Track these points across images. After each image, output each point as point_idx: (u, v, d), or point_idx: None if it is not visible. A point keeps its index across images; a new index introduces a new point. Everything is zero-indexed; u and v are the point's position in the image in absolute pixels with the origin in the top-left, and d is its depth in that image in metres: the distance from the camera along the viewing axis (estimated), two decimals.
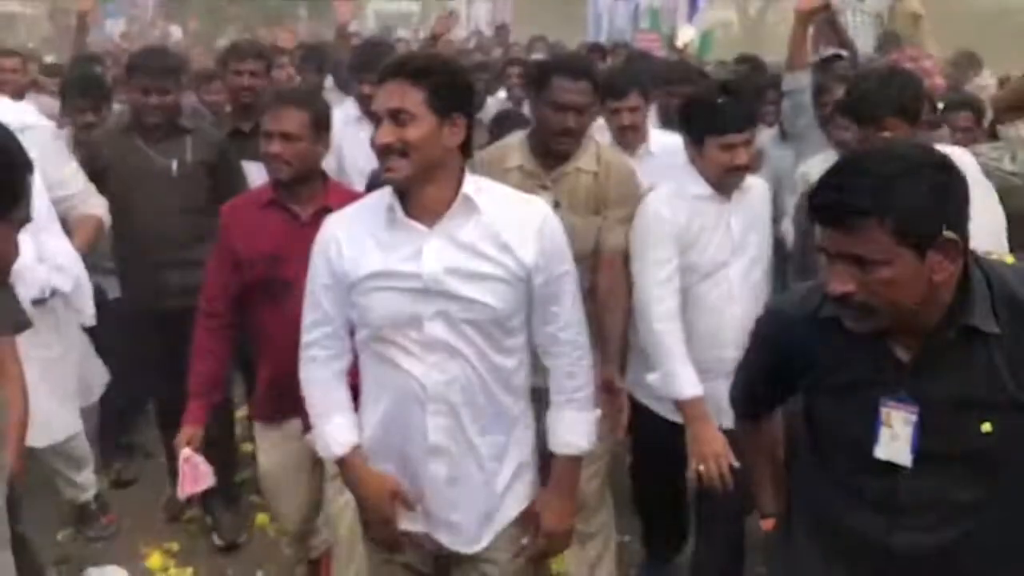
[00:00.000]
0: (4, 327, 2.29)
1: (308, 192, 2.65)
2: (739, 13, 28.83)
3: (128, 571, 3.41)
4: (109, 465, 3.98)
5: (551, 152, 2.78)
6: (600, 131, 3.58)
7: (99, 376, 3.46)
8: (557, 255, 2.04)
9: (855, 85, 2.87)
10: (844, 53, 4.98)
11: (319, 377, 2.15)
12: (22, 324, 2.40)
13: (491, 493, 2.10)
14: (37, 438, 2.96)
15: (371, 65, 3.83)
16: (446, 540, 2.11)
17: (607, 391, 2.67)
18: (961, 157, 2.70)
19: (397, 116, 1.89)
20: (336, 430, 2.12)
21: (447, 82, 1.92)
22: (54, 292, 2.99)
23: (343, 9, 5.50)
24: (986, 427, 1.57)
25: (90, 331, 3.31)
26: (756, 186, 2.81)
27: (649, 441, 2.95)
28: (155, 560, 3.52)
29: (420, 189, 1.94)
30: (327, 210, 2.50)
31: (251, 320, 2.72)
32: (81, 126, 3.90)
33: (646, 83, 3.63)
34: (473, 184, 1.99)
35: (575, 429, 2.12)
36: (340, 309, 2.09)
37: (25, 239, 2.87)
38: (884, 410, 1.62)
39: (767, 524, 2.01)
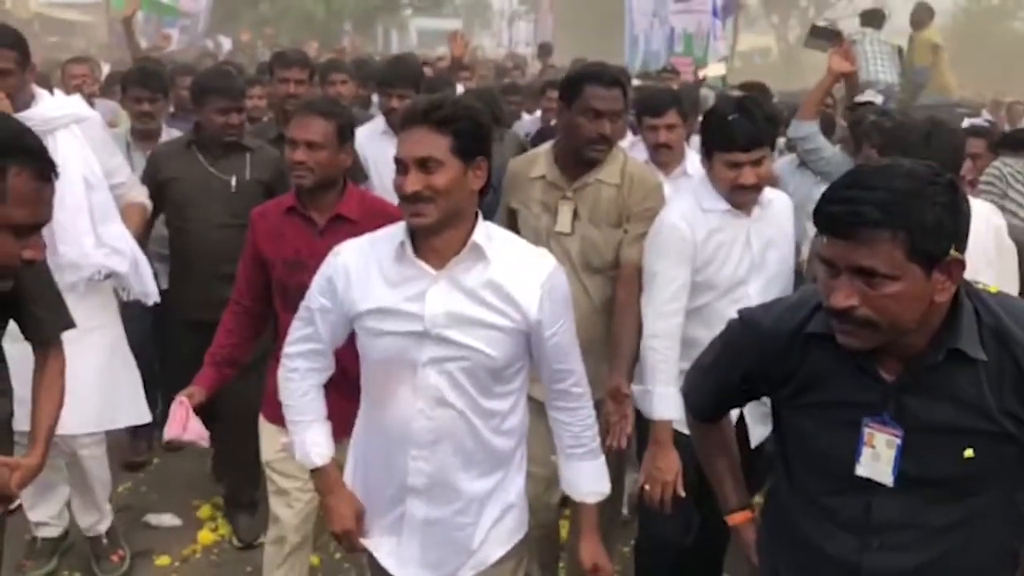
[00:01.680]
0: (56, 330, 2.35)
1: (327, 200, 2.70)
2: (778, 40, 28.94)
3: (181, 519, 3.81)
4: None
5: (583, 160, 2.79)
6: (635, 149, 3.68)
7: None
8: (560, 310, 2.05)
9: (894, 138, 2.80)
10: (878, 100, 5.00)
11: (299, 388, 2.18)
12: (68, 325, 2.48)
13: (471, 536, 2.12)
14: (71, 426, 3.00)
15: (400, 79, 4.07)
16: (414, 572, 2.12)
17: (613, 399, 2.69)
18: (990, 217, 2.75)
19: (425, 164, 1.91)
20: (314, 440, 2.16)
21: (471, 129, 1.95)
22: (110, 274, 3.18)
23: (457, 45, 5.62)
24: (968, 453, 1.56)
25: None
26: (778, 201, 2.76)
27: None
28: (205, 511, 3.90)
29: (438, 233, 1.96)
30: (340, 218, 2.66)
31: (276, 323, 2.78)
32: (138, 115, 4.07)
33: (685, 104, 3.70)
34: (484, 231, 2.01)
35: (598, 477, 2.18)
36: (332, 334, 2.13)
37: (85, 230, 3.11)
38: (867, 431, 1.61)
39: (734, 519, 1.99)
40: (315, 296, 2.13)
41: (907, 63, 6.87)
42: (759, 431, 2.73)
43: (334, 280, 2.07)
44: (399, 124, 2.00)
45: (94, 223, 3.15)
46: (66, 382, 2.88)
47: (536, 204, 2.87)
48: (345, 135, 2.71)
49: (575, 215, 2.81)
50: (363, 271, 2.04)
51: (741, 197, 2.63)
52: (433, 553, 2.12)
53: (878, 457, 1.61)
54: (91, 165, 3.17)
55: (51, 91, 3.28)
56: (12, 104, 3.03)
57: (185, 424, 2.54)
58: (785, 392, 1.71)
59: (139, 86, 4.13)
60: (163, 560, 3.57)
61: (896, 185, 1.48)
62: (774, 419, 1.82)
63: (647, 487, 2.59)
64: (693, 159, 3.47)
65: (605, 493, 2.20)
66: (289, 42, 15.59)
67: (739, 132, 2.56)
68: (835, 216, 1.51)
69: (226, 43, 12.96)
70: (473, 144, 1.96)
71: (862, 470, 1.63)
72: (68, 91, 4.09)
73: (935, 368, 1.57)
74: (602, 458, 2.20)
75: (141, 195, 3.50)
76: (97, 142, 3.25)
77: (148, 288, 3.29)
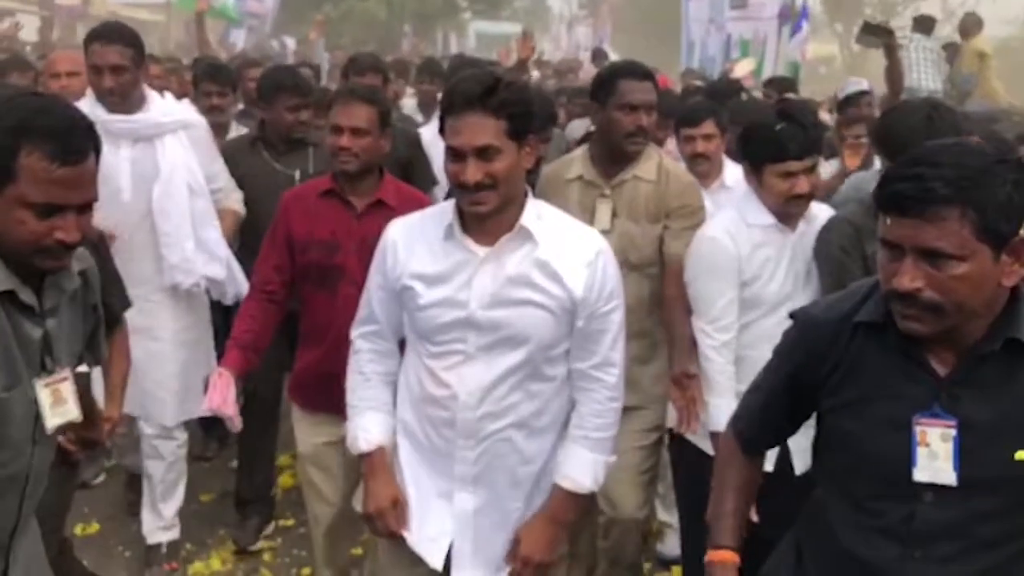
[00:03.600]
0: (121, 311, 2.52)
1: (366, 185, 2.73)
2: (841, 48, 28.52)
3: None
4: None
5: (622, 155, 2.83)
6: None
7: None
8: (606, 291, 2.03)
9: (893, 121, 2.63)
10: (868, 88, 4.94)
11: (361, 371, 2.19)
12: (127, 303, 2.64)
13: (518, 523, 2.10)
14: (161, 414, 3.30)
15: None
16: (469, 571, 2.09)
17: (677, 384, 2.69)
18: None
19: (484, 152, 1.89)
20: (364, 427, 2.15)
21: (523, 109, 1.94)
22: (209, 281, 3.30)
23: (525, 46, 5.61)
24: (1020, 455, 1.49)
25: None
26: (822, 215, 2.67)
27: (693, 471, 2.74)
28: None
29: (493, 216, 1.97)
30: (380, 203, 2.68)
31: (302, 306, 2.80)
32: (207, 109, 4.13)
33: (722, 114, 3.67)
34: (534, 211, 2.01)
35: (584, 468, 2.08)
36: (388, 312, 2.13)
37: (187, 235, 3.18)
38: (918, 428, 1.52)
39: (719, 555, 1.82)
40: (371, 274, 2.16)
41: (955, 70, 6.85)
42: (802, 460, 2.52)
43: (385, 254, 2.10)
44: (445, 107, 1.96)
45: (195, 228, 3.24)
46: (158, 377, 3.25)
47: (573, 205, 2.87)
48: (386, 120, 2.75)
49: (614, 212, 2.85)
50: (410, 244, 2.06)
51: (795, 208, 2.57)
52: (486, 549, 2.09)
53: (935, 456, 1.51)
54: (194, 172, 3.26)
55: (161, 94, 3.35)
56: (125, 103, 3.13)
57: (226, 397, 2.55)
58: (828, 388, 1.62)
59: (208, 80, 4.25)
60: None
61: (965, 161, 1.43)
62: (817, 427, 1.72)
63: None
64: (732, 171, 3.48)
65: (582, 486, 2.09)
66: (351, 43, 15.93)
67: (790, 141, 2.50)
68: (902, 193, 1.44)
69: (291, 43, 13.29)
70: (525, 124, 1.94)
71: (920, 474, 1.52)
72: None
73: (991, 359, 1.50)
74: (598, 455, 2.10)
75: (236, 201, 3.57)
76: (201, 147, 3.34)
77: (241, 290, 3.34)
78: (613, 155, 2.87)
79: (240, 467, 3.79)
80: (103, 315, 1.96)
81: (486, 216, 1.95)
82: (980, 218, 1.41)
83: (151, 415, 3.34)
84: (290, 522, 3.82)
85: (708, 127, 3.51)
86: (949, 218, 1.41)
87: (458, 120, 1.92)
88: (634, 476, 2.85)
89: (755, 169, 2.60)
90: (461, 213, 2.00)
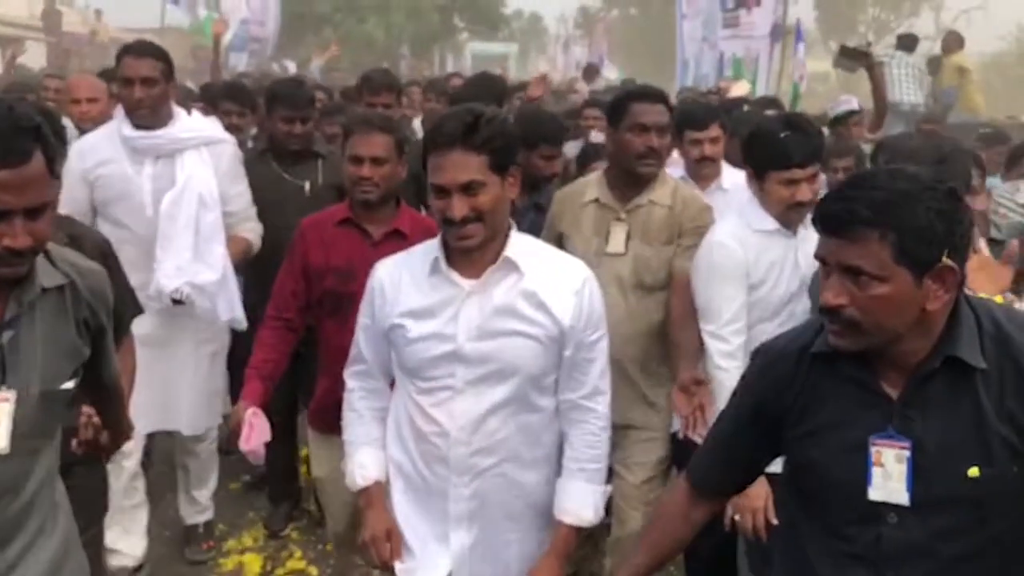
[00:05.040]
0: (130, 320, 2.43)
1: (383, 214, 2.74)
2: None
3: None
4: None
5: (635, 178, 2.84)
6: (673, 165, 3.63)
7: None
8: (593, 320, 2.03)
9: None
10: (858, 108, 5.03)
11: (354, 408, 2.22)
12: (139, 310, 2.58)
13: (517, 553, 2.11)
14: (183, 424, 3.39)
15: (480, 99, 4.22)
16: None
17: (684, 391, 2.67)
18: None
19: (468, 187, 1.91)
20: (361, 463, 2.18)
21: (504, 143, 1.95)
22: (195, 291, 3.18)
23: (537, 87, 5.63)
24: (973, 472, 1.50)
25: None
26: None
27: None
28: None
29: (481, 249, 1.97)
30: (397, 232, 2.69)
31: (318, 332, 2.83)
32: (226, 128, 4.04)
33: (726, 119, 3.69)
34: (517, 244, 2.02)
35: (585, 501, 2.09)
36: (375, 351, 2.15)
37: (186, 245, 3.20)
38: (874, 449, 1.55)
39: None
40: (360, 314, 2.18)
41: (936, 85, 7.09)
42: None
43: (373, 295, 2.12)
44: (428, 146, 1.98)
45: (199, 240, 3.24)
46: (177, 390, 3.29)
47: (587, 227, 2.90)
48: (402, 148, 2.78)
49: (628, 236, 2.85)
50: (397, 283, 2.07)
51: (796, 215, 2.60)
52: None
53: (889, 476, 1.54)
54: (210, 186, 3.28)
55: (189, 112, 3.41)
56: (153, 117, 3.18)
57: (259, 434, 2.59)
58: (791, 419, 1.65)
59: (228, 100, 4.35)
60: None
61: (892, 186, 1.48)
62: (785, 459, 1.74)
63: (737, 518, 2.45)
64: (729, 174, 3.51)
65: (585, 520, 2.10)
66: (349, 64, 16.15)
67: (795, 148, 2.54)
68: (830, 214, 1.51)
69: (291, 67, 13.49)
70: (507, 157, 1.96)
71: (875, 493, 1.55)
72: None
73: (935, 379, 1.53)
74: (596, 486, 2.11)
75: (251, 232, 3.52)
76: (223, 166, 3.37)
77: (236, 313, 3.35)
78: (628, 179, 2.86)
79: (270, 470, 3.92)
80: (107, 329, 1.87)
81: (474, 249, 1.97)
82: (900, 241, 1.45)
83: (171, 425, 3.43)
84: (312, 507, 3.99)
85: (715, 130, 3.48)
86: (870, 239, 1.46)
87: (441, 157, 1.93)
88: (644, 494, 2.85)
89: (758, 176, 2.63)
90: (447, 248, 2.02)
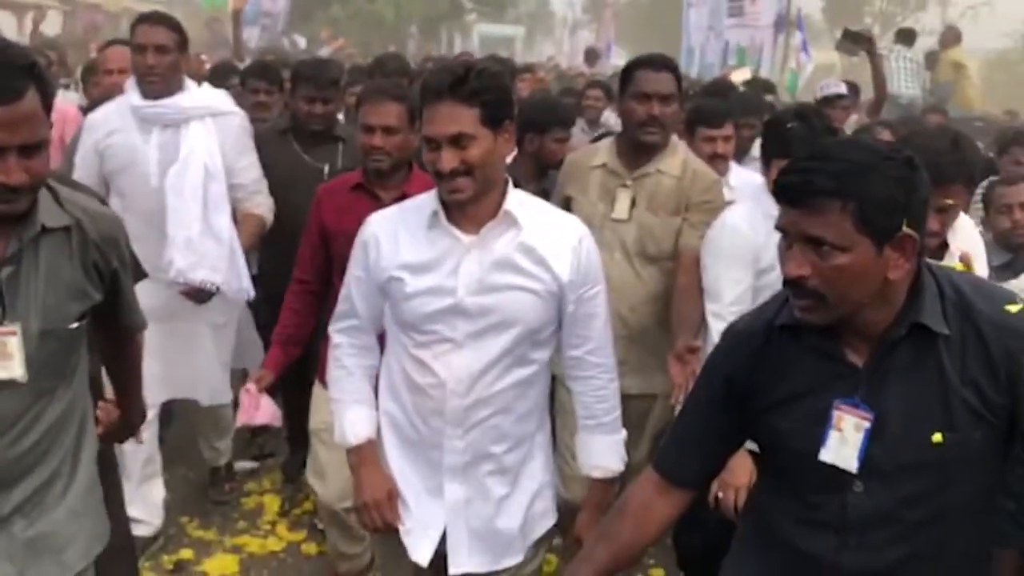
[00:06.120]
0: (141, 321, 2.25)
1: (395, 180, 2.77)
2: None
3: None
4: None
5: (639, 145, 2.84)
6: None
7: (254, 350, 3.70)
8: (591, 275, 2.05)
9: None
10: (845, 91, 5.15)
11: (344, 365, 2.19)
12: (141, 275, 2.59)
13: (512, 512, 2.12)
14: (202, 395, 3.51)
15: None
16: (466, 561, 2.09)
17: (679, 360, 2.66)
18: (971, 232, 2.73)
19: (457, 140, 1.90)
20: (352, 420, 2.15)
21: (497, 96, 1.94)
22: (189, 287, 3.21)
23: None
24: (937, 438, 1.53)
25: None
26: None
27: None
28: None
29: (474, 202, 1.97)
30: (405, 197, 2.57)
31: (330, 291, 2.80)
32: (254, 105, 4.19)
33: (739, 116, 3.79)
34: (516, 198, 2.02)
35: (609, 453, 2.13)
36: (369, 306, 2.13)
37: (196, 216, 3.21)
38: (836, 413, 1.57)
39: None
40: (349, 269, 2.15)
41: (933, 79, 7.24)
42: None
43: (367, 248, 2.09)
44: (420, 99, 1.99)
45: (207, 212, 3.23)
46: (190, 360, 3.38)
47: (594, 191, 2.92)
48: (415, 116, 2.72)
49: (632, 203, 2.87)
50: (393, 237, 2.05)
51: None
52: (484, 538, 2.11)
53: (845, 442, 1.56)
54: (214, 156, 3.27)
55: (199, 84, 3.41)
56: (164, 85, 3.19)
57: (256, 409, 2.66)
58: (759, 392, 1.65)
59: (257, 78, 4.36)
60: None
61: (852, 157, 1.49)
62: (755, 431, 1.75)
63: (720, 494, 2.44)
64: (736, 172, 3.56)
65: (612, 470, 2.15)
66: (357, 44, 16.27)
67: (797, 140, 2.57)
68: (790, 185, 1.52)
69: (301, 42, 13.61)
70: (500, 111, 1.94)
71: (826, 455, 1.58)
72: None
73: (900, 346, 1.55)
74: (615, 436, 2.15)
75: (262, 207, 3.48)
76: (230, 139, 3.34)
77: (244, 283, 3.35)
78: (635, 146, 2.88)
79: (286, 415, 3.87)
80: (122, 274, 1.87)
81: (465, 203, 1.96)
82: (860, 211, 1.46)
83: (189, 394, 3.53)
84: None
85: (729, 129, 3.53)
86: (831, 210, 1.47)
87: (431, 110, 1.93)
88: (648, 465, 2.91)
89: (765, 163, 2.71)
90: (444, 202, 2.02)
